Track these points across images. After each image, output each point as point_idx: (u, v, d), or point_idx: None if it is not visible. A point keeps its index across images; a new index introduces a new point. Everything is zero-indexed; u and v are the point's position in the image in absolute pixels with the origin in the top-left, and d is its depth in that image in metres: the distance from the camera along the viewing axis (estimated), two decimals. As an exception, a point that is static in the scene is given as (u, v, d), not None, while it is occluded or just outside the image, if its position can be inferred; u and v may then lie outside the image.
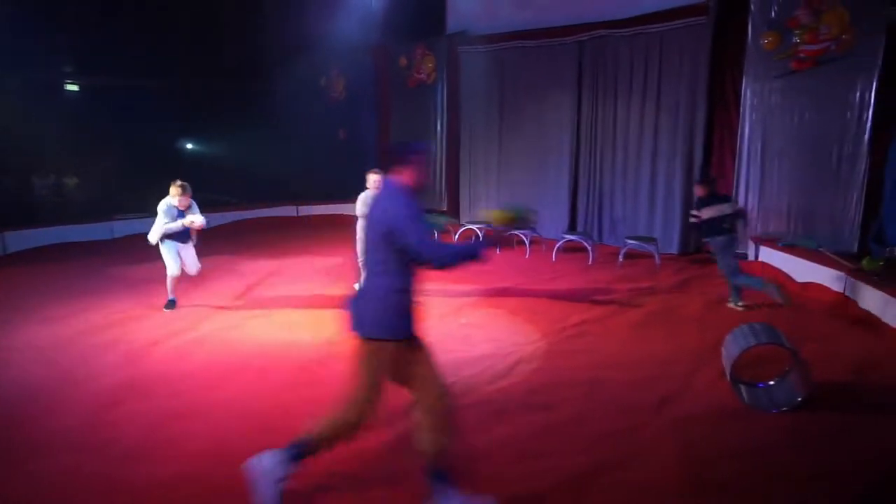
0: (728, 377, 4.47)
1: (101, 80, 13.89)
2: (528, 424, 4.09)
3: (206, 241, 10.80)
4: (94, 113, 13.15)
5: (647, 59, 9.73)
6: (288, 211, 13.64)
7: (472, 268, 8.72)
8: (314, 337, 5.81)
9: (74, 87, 14.30)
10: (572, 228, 10.71)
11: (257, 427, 4.03)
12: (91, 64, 13.52)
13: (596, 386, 4.72)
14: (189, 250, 6.78)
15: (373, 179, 6.58)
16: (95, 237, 10.76)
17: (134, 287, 7.65)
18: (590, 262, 9.03)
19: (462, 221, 11.76)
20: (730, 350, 4.55)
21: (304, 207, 13.76)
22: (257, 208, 13.37)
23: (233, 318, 6.38)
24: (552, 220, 10.75)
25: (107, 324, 6.20)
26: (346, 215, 13.40)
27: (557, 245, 9.58)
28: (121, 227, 11.15)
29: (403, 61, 12.97)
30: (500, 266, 8.87)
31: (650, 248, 8.94)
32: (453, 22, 12.17)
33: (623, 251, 9.08)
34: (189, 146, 16.59)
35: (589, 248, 9.24)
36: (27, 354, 5.36)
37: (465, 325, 6.18)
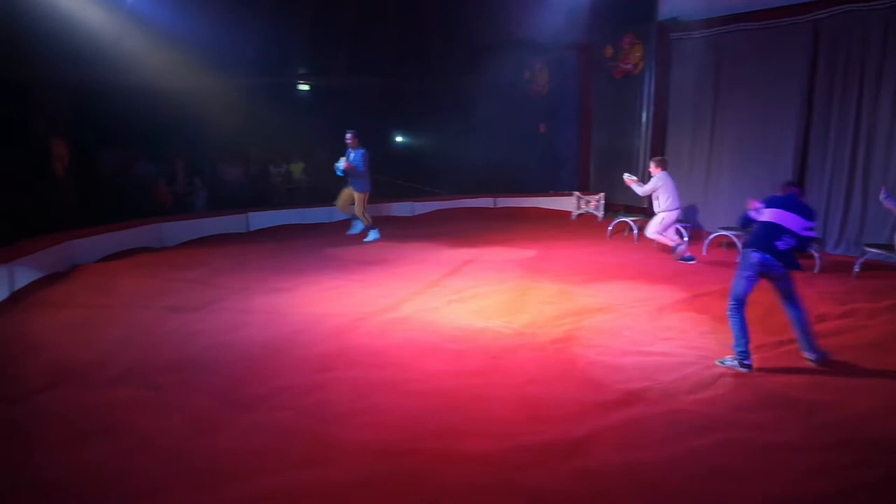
0: None
1: (327, 80, 15.49)
2: (729, 442, 3.70)
3: (408, 229, 11.50)
4: (320, 109, 14.71)
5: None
6: (486, 202, 13.97)
7: (675, 268, 8.16)
8: (505, 325, 5.86)
9: (305, 88, 16.12)
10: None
11: (446, 407, 4.17)
12: (318, 67, 15.13)
13: (818, 410, 4.13)
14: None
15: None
16: (317, 220, 11.99)
17: (345, 266, 8.38)
18: (816, 271, 7.94)
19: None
20: None
21: (502, 199, 13.99)
22: (458, 199, 13.88)
23: (431, 302, 6.68)
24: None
25: (321, 297, 6.87)
26: (540, 208, 13.46)
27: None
28: (339, 212, 12.30)
29: (609, 51, 12.53)
30: (705, 268, 8.20)
31: (896, 258, 7.61)
32: (666, 8, 11.45)
33: (860, 260, 7.84)
34: (399, 140, 17.78)
35: (815, 255, 8.13)
36: (258, 318, 6.14)
37: (663, 329, 5.80)
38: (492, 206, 13.96)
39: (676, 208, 8.75)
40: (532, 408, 4.19)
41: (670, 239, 8.87)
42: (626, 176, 9.10)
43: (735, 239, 9.03)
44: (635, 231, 10.46)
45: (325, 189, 12.78)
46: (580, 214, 12.87)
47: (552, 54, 13.79)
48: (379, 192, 13.04)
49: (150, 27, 10.79)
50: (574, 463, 3.48)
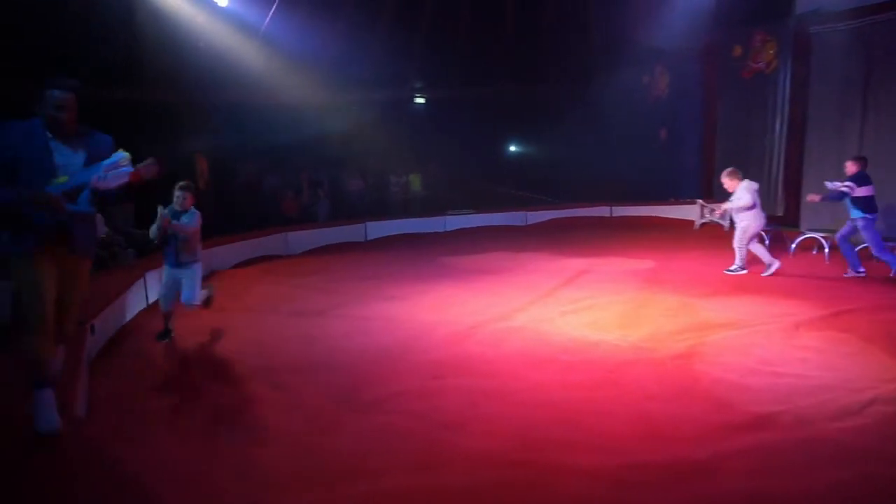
0: None
1: (442, 93, 15.84)
2: (877, 477, 3.29)
3: (521, 239, 11.42)
4: (437, 121, 15.05)
5: None
6: (602, 211, 13.61)
7: (813, 282, 7.53)
8: (621, 339, 5.64)
9: (421, 100, 16.57)
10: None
11: (558, 419, 4.06)
12: (434, 80, 15.51)
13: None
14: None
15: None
16: (431, 229, 12.23)
17: (459, 275, 8.46)
18: None
19: (802, 228, 10.22)
20: None
21: (618, 208, 13.56)
22: (572, 207, 13.63)
23: (545, 312, 6.58)
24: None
25: (436, 305, 6.97)
26: (660, 217, 12.87)
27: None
28: (452, 222, 12.49)
29: (738, 50, 11.80)
30: (850, 283, 7.44)
31: None
32: (805, 0, 10.60)
33: None
34: (513, 149, 17.78)
35: None
36: (376, 324, 6.33)
37: (801, 348, 5.30)
38: (608, 214, 13.57)
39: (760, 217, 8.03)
40: (650, 425, 3.98)
41: (760, 252, 8.14)
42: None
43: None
44: (766, 242, 9.72)
45: (440, 199, 13.04)
46: (704, 224, 12.17)
47: (673, 57, 13.22)
48: (493, 203, 13.10)
49: (280, 50, 11.59)
50: (696, 487, 3.25)
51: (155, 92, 10.54)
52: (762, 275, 7.93)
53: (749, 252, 8.17)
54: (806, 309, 6.32)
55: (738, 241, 8.20)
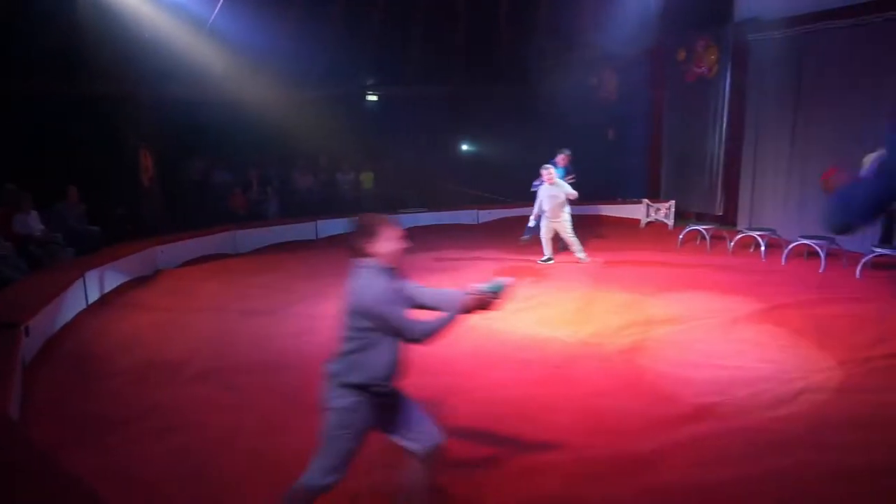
0: None
1: (394, 90, 15.81)
2: (810, 464, 3.50)
3: (473, 236, 11.52)
4: (388, 119, 15.02)
5: None
6: (551, 210, 13.83)
7: (751, 278, 7.84)
8: (572, 335, 5.79)
9: (374, 98, 16.49)
10: (886, 241, 8.93)
11: (512, 416, 4.15)
12: (386, 77, 15.47)
13: (910, 431, 3.87)
14: None
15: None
16: (384, 227, 12.19)
17: (414, 273, 8.43)
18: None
19: (740, 227, 10.67)
20: None
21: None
22: (524, 206, 13.79)
23: (499, 311, 6.65)
24: (859, 233, 9.04)
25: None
26: (609, 216, 13.20)
27: (864, 259, 8.06)
28: (405, 220, 12.47)
29: (682, 54, 12.19)
30: (786, 279, 7.82)
31: None
32: (744, 8, 11.04)
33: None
34: (466, 148, 17.89)
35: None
36: (329, 323, 6.28)
37: (737, 342, 5.56)
38: (558, 213, 13.80)
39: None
40: (598, 420, 4.12)
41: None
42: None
43: (818, 248, 8.56)
44: (708, 240, 10.11)
45: (392, 197, 13.02)
46: (650, 223, 12.55)
47: (621, 60, 13.55)
48: (446, 201, 13.15)
49: (227, 42, 11.35)
50: (642, 479, 3.39)
51: (97, 85, 10.17)
52: (539, 262, 8.90)
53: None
54: (744, 304, 6.61)
55: (569, 234, 8.90)
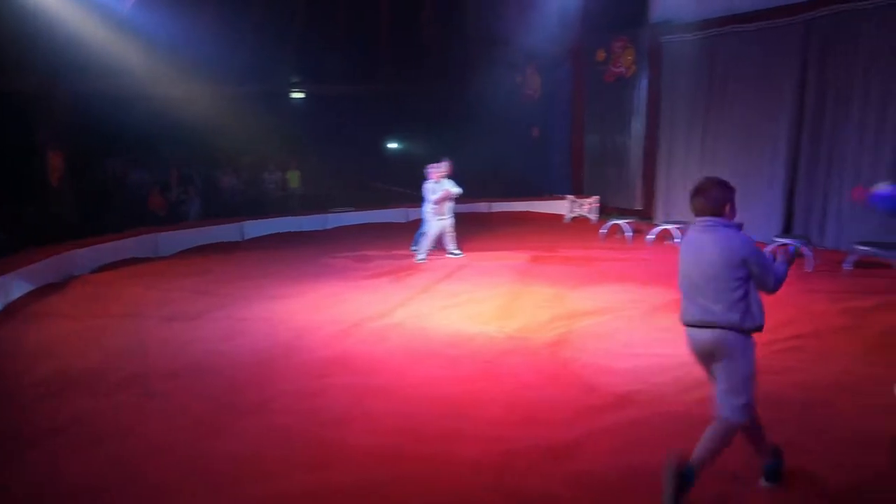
0: None
1: (320, 88, 15.60)
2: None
3: (403, 235, 11.55)
4: (314, 118, 14.79)
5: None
6: (480, 207, 14.02)
7: (668, 269, 8.20)
8: (499, 330, 5.92)
9: (300, 96, 16.20)
10: (787, 231, 9.60)
11: (443, 412, 4.22)
12: (311, 75, 15.24)
13: (809, 410, 4.20)
14: None
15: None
16: (312, 227, 12.03)
17: (340, 274, 8.42)
18: (809, 269, 8.03)
19: (657, 221, 11.19)
20: None
21: (496, 204, 14.05)
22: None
23: (425, 307, 6.74)
24: (761, 222, 9.69)
25: (317, 304, 6.92)
26: (534, 212, 13.53)
27: (767, 249, 8.61)
28: (333, 219, 12.36)
29: (601, 55, 12.64)
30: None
31: (889, 255, 7.68)
32: (658, 11, 11.57)
33: (851, 258, 7.93)
34: (393, 146, 17.86)
35: (807, 253, 8.22)
36: (257, 325, 6.18)
37: (662, 330, 5.85)
38: (487, 210, 14.01)
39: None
40: (526, 412, 4.25)
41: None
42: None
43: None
44: (629, 234, 10.55)
45: (320, 197, 12.85)
46: (574, 218, 12.95)
47: (544, 59, 13.89)
48: (374, 200, 13.10)
49: (145, 37, 10.86)
50: (567, 467, 3.53)
51: (8, 80, 9.51)
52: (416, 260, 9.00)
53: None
54: (661, 294, 6.93)
55: (453, 230, 9.22)
